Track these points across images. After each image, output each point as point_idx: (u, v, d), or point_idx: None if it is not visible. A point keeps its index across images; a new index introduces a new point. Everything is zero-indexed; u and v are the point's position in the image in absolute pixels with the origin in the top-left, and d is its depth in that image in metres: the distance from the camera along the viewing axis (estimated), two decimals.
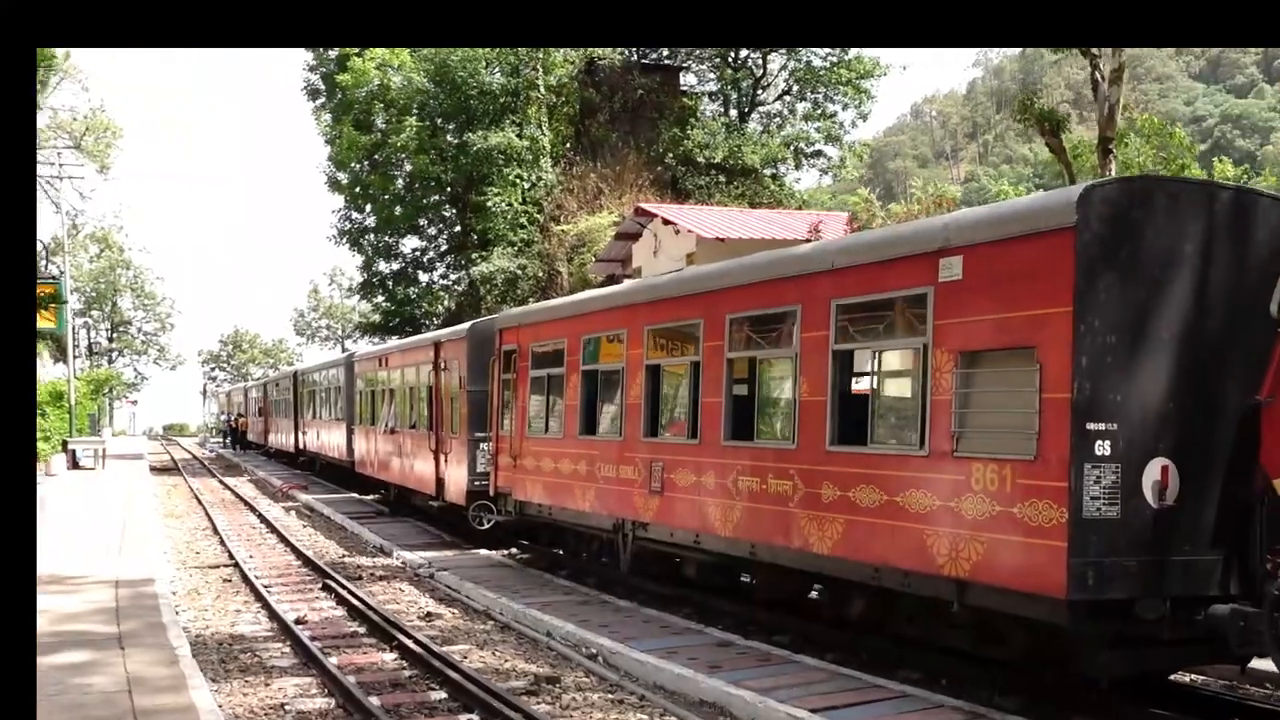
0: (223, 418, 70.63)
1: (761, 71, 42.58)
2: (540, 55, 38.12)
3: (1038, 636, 7.52)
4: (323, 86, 44.52)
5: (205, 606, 12.49)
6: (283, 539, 18.50)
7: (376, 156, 41.87)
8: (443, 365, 18.67)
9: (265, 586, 13.36)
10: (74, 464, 33.65)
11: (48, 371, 45.69)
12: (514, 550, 16.41)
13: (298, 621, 11.17)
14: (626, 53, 40.52)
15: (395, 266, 46.08)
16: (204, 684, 8.02)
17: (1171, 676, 8.43)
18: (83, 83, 44.63)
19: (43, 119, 40.12)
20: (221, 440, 64.93)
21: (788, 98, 43.30)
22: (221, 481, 33.04)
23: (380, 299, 46.44)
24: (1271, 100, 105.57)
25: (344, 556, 16.73)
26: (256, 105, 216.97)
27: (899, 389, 8.81)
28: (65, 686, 7.61)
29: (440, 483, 18.54)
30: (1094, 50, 17.34)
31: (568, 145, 39.94)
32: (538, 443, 14.28)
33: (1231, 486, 6.92)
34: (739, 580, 11.37)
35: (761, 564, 9.92)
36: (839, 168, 44.29)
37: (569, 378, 13.42)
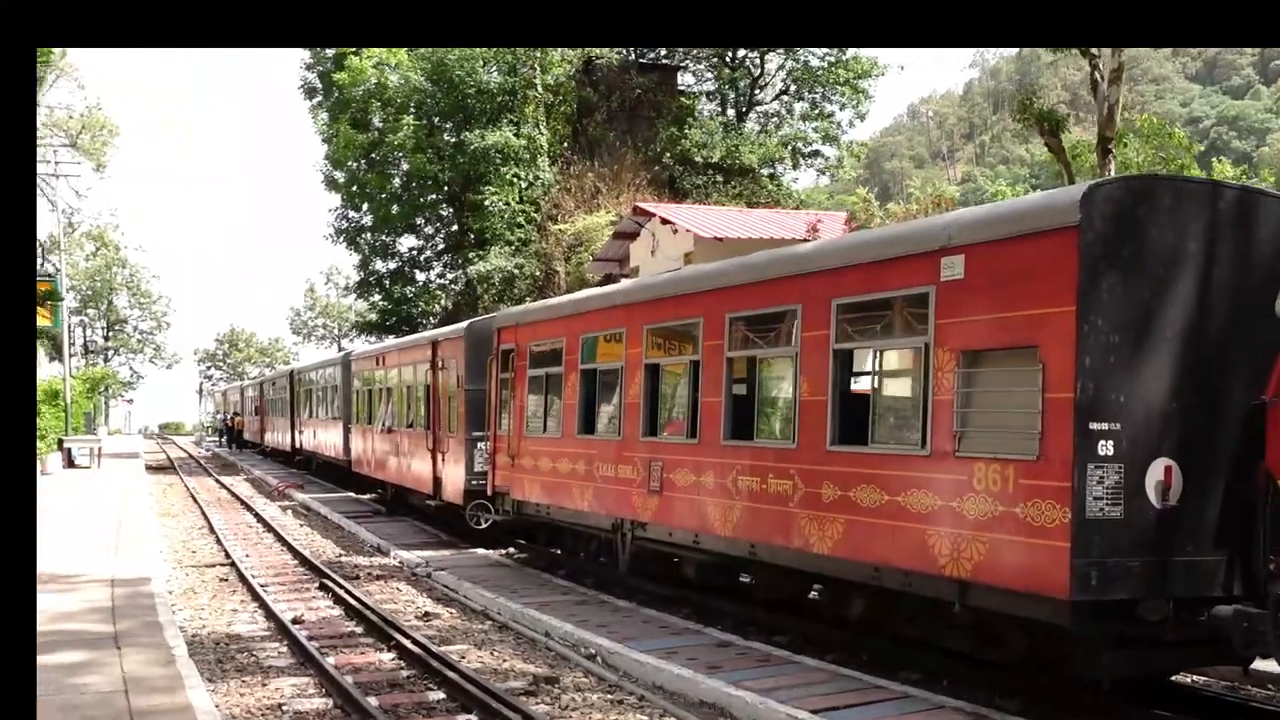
0: (219, 417, 70.51)
1: (759, 71, 42.60)
2: (538, 54, 38.11)
3: (1037, 638, 7.51)
4: (320, 85, 44.46)
5: (202, 606, 12.43)
6: (279, 538, 18.43)
7: (374, 155, 41.85)
8: (440, 364, 18.62)
9: (262, 586, 13.30)
10: (70, 463, 33.56)
11: (43, 370, 45.53)
12: (511, 550, 16.37)
13: (295, 621, 11.11)
14: (624, 52, 40.51)
15: (392, 265, 46.09)
16: (201, 684, 7.96)
17: (1173, 677, 8.40)
18: (79, 80, 44.59)
19: (38, 116, 40.01)
20: (217, 439, 64.78)
21: (785, 97, 43.38)
22: (218, 480, 32.96)
23: (377, 298, 46.43)
24: (1268, 101, 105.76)
25: (341, 556, 16.67)
26: (254, 105, 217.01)
27: (900, 388, 8.78)
28: (61, 686, 7.55)
29: (438, 482, 18.50)
30: (1093, 50, 17.32)
31: (565, 144, 39.93)
32: (536, 442, 14.23)
33: (1235, 486, 6.90)
34: (738, 580, 11.33)
35: (761, 564, 9.88)
36: (836, 168, 44.32)
37: (567, 377, 13.38)
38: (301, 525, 21.07)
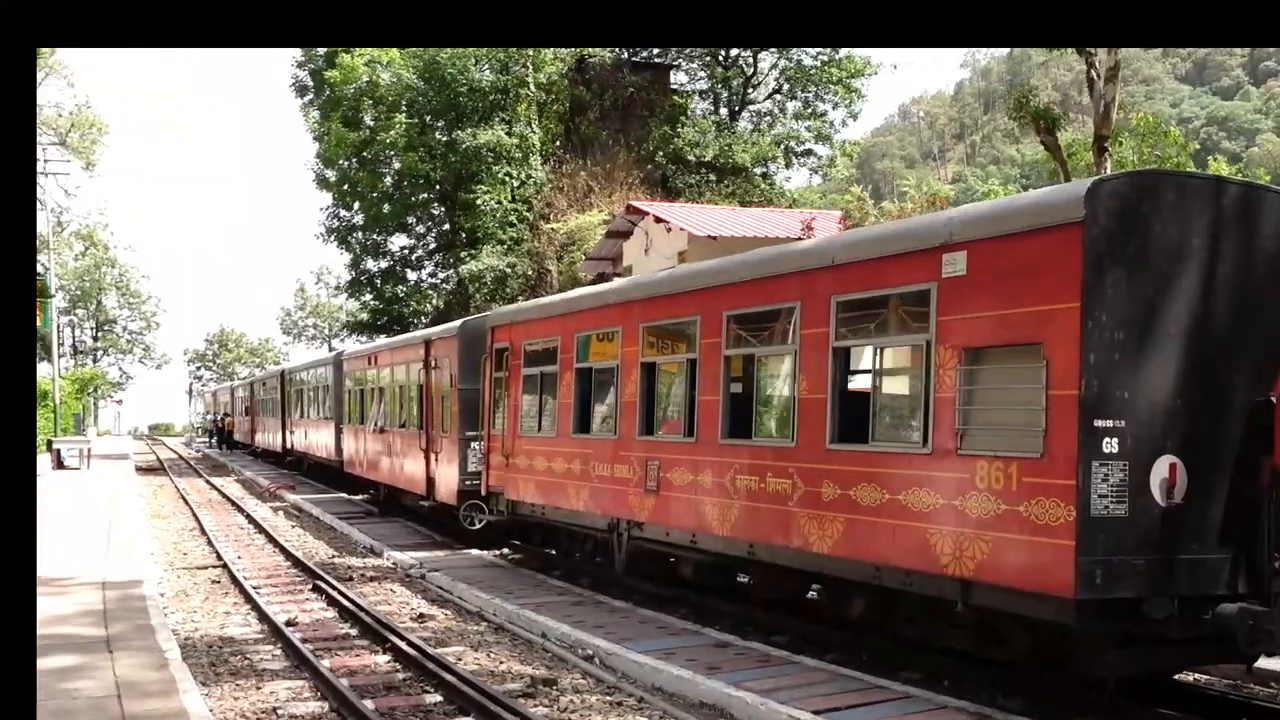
0: (209, 417, 70.19)
1: (752, 70, 42.55)
2: (530, 53, 37.98)
3: (1040, 637, 7.45)
4: (311, 83, 44.24)
5: (194, 608, 12.31)
6: (271, 539, 18.30)
7: (365, 154, 41.68)
8: (434, 363, 18.51)
9: (255, 588, 13.18)
10: (59, 464, 33.31)
11: None
12: (506, 550, 16.27)
13: (288, 623, 11.00)
14: (617, 51, 40.40)
15: (383, 265, 45.89)
16: (194, 688, 7.86)
17: (1176, 676, 8.36)
18: (68, 78, 44.30)
19: None
20: (208, 440, 64.52)
21: (778, 96, 43.32)
22: (208, 481, 32.78)
23: (368, 297, 46.24)
24: (1257, 103, 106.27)
25: (334, 557, 16.55)
26: (245, 105, 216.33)
27: (901, 386, 8.71)
28: (53, 691, 7.43)
29: (431, 482, 18.38)
30: (1090, 48, 17.30)
31: (557, 143, 39.82)
32: (531, 441, 14.13)
33: (1239, 484, 6.86)
34: (736, 580, 11.26)
35: (760, 563, 9.81)
36: (829, 167, 44.28)
37: (562, 376, 13.28)
38: (293, 526, 20.94)
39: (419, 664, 9.07)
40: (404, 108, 40.25)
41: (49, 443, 34.34)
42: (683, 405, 10.87)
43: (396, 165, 41.53)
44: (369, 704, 7.95)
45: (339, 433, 26.90)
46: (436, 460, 18.07)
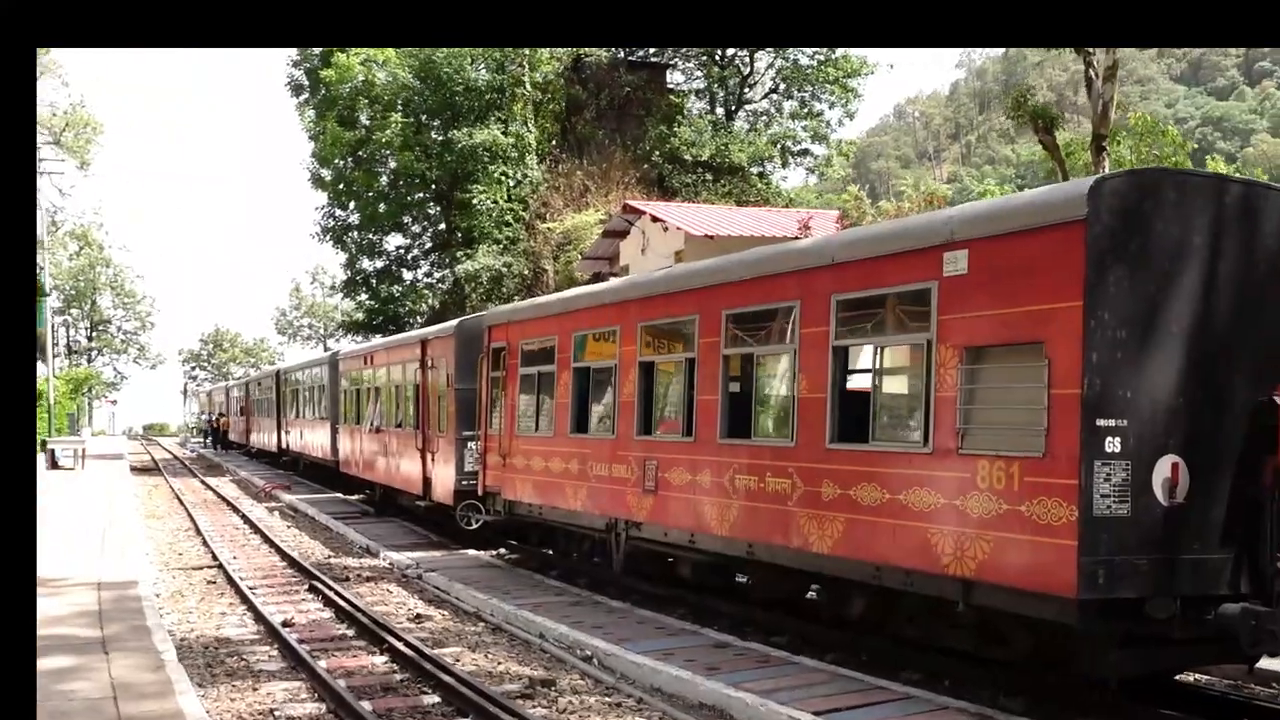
0: (204, 417, 70.02)
1: (749, 70, 42.52)
2: (526, 52, 37.93)
3: (1042, 637, 7.42)
4: (306, 82, 44.17)
5: (190, 609, 12.25)
6: (267, 540, 18.23)
7: (360, 153, 41.60)
8: (430, 363, 18.46)
9: (250, 588, 13.12)
10: (53, 464, 33.19)
11: None
12: (503, 550, 16.22)
13: (285, 624, 10.95)
14: (613, 50, 40.35)
15: (379, 264, 45.83)
16: (191, 689, 7.80)
17: (1177, 676, 8.34)
18: (62, 78, 44.15)
19: None
20: (203, 440, 64.35)
21: (775, 96, 43.30)
22: (203, 482, 32.68)
23: (363, 297, 46.15)
24: (1252, 103, 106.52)
25: (330, 557, 16.49)
26: (242, 105, 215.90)
27: (901, 385, 8.67)
28: (49, 693, 7.37)
29: (427, 482, 18.33)
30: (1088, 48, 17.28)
31: (553, 142, 39.78)
32: (528, 441, 14.09)
33: (1241, 483, 6.83)
34: (734, 580, 11.22)
35: (759, 563, 9.77)
36: (825, 166, 44.26)
37: (560, 375, 13.23)
38: (289, 526, 20.87)
39: (416, 665, 9.03)
40: (400, 107, 40.18)
41: (43, 443, 34.21)
42: (681, 405, 10.83)
43: (392, 164, 41.45)
44: (366, 705, 7.90)
45: (334, 433, 26.82)
46: (433, 460, 18.01)
